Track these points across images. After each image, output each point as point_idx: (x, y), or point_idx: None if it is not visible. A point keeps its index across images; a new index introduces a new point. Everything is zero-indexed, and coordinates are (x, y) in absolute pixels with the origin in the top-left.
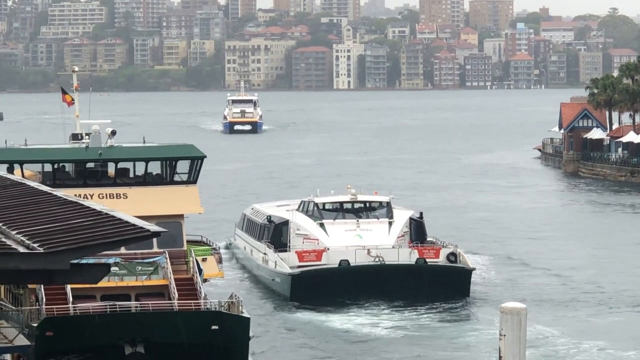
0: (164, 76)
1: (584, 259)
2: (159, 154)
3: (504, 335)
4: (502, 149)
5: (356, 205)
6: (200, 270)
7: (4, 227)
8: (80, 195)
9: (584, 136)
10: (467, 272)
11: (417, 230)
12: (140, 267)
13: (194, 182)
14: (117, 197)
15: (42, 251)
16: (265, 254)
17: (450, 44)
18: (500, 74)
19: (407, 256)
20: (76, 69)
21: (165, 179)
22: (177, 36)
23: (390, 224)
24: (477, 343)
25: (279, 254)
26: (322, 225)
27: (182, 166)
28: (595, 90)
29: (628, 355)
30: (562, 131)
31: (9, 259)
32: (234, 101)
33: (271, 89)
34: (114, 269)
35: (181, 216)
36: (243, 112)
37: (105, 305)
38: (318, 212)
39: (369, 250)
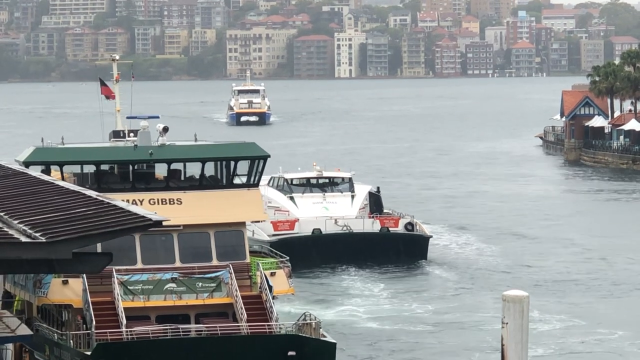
0: (165, 65)
1: (584, 244)
2: (217, 153)
3: (506, 323)
4: (503, 137)
5: (321, 181)
6: (270, 287)
7: (6, 217)
8: (129, 201)
9: (586, 124)
10: (425, 239)
11: (375, 203)
12: (200, 284)
13: (256, 185)
14: (170, 203)
15: (44, 240)
16: None
17: (452, 32)
18: (501, 62)
19: (371, 225)
20: (117, 57)
21: (222, 182)
22: (179, 25)
23: (352, 197)
24: (480, 332)
25: (255, 224)
26: (292, 198)
27: (241, 167)
28: (597, 78)
29: (624, 345)
30: (563, 119)
31: (11, 248)
32: (240, 91)
33: (272, 78)
34: (170, 285)
35: (243, 224)
36: (250, 103)
37: (166, 329)
38: (288, 187)
39: (336, 220)
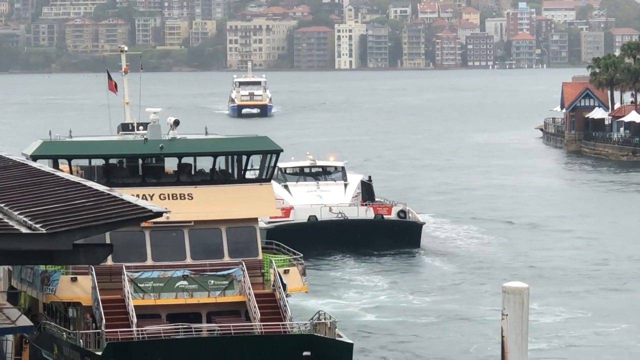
0: (165, 57)
1: (584, 235)
2: (230, 147)
3: (506, 315)
4: (503, 129)
5: (314, 170)
6: (284, 285)
7: (7, 208)
8: (139, 196)
9: (586, 116)
10: (418, 226)
11: (367, 192)
12: (212, 281)
13: (268, 180)
14: (180, 198)
15: (44, 232)
16: None
17: (452, 24)
18: (502, 53)
19: (364, 213)
20: (125, 48)
21: (233, 177)
22: (179, 16)
23: (345, 185)
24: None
25: None
26: (286, 186)
27: (254, 161)
28: (597, 70)
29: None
30: (564, 111)
31: (11, 239)
32: (241, 83)
33: (273, 69)
34: (182, 283)
35: (255, 220)
36: (252, 95)
37: (178, 328)
38: (282, 176)
39: (330, 207)
